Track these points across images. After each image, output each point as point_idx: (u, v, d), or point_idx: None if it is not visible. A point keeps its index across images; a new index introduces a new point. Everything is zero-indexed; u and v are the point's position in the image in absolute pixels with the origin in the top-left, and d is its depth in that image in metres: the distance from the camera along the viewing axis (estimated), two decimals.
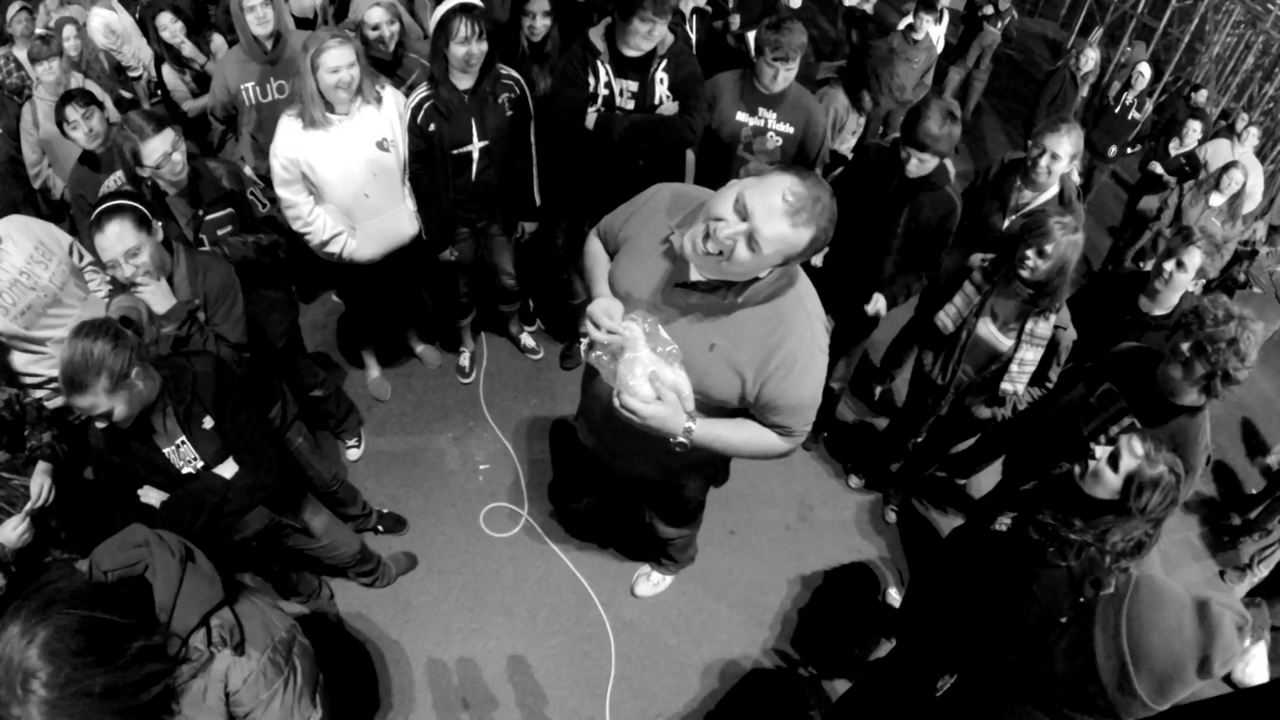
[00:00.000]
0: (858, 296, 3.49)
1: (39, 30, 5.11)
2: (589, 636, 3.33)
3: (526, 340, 4.42)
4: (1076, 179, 3.48)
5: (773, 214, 1.59)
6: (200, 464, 2.15)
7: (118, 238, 2.22)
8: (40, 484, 2.36)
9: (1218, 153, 5.91)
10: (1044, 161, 3.27)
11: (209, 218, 2.79)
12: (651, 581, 3.47)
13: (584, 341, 1.84)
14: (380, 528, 3.50)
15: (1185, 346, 2.39)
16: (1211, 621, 1.70)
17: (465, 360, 4.27)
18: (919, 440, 3.76)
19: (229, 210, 2.83)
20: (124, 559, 1.52)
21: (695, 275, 1.81)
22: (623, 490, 2.68)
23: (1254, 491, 4.66)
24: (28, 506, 2.33)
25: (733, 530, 3.76)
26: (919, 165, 3.04)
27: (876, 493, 4.06)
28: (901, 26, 6.59)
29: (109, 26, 5.33)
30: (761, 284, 1.76)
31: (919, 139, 2.96)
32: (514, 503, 3.74)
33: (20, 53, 4.59)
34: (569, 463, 3.85)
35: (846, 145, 4.01)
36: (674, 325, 1.86)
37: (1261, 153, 7.64)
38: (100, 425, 1.95)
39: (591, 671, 3.24)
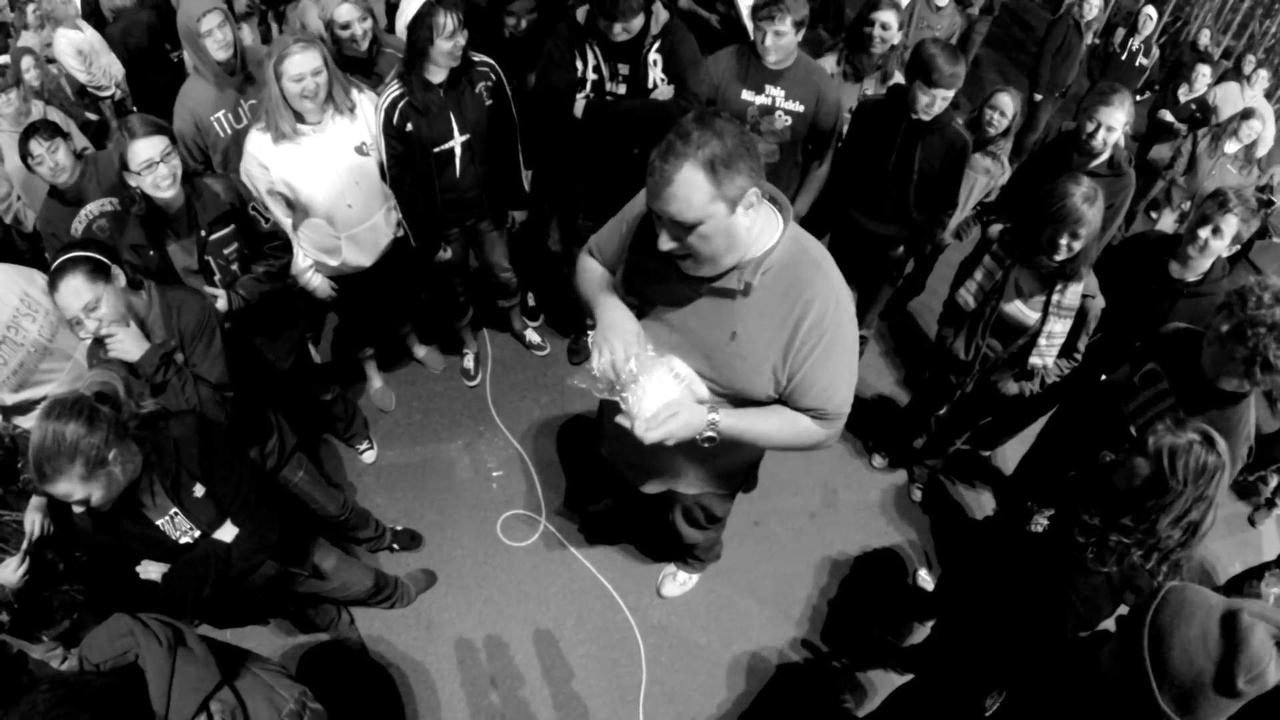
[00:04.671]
0: (883, 246, 3.55)
1: (3, 61, 4.96)
2: (617, 643, 3.25)
3: (532, 336, 4.29)
4: (1123, 144, 3.42)
5: (653, 194, 1.54)
6: (197, 533, 2.04)
7: (74, 293, 2.08)
8: (33, 520, 2.26)
9: (1228, 97, 5.79)
10: (1100, 135, 3.23)
11: (212, 238, 2.65)
12: (678, 581, 3.39)
13: (585, 373, 1.77)
14: (395, 546, 3.42)
15: (1225, 329, 2.24)
16: (1239, 632, 1.56)
17: (469, 362, 4.14)
18: (942, 415, 3.67)
19: (232, 228, 2.69)
20: (112, 650, 1.43)
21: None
22: (644, 496, 2.58)
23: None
24: (24, 545, 2.23)
25: (757, 521, 3.67)
26: (941, 104, 3.14)
27: (900, 470, 3.97)
28: None
29: (76, 47, 5.18)
30: (768, 256, 1.66)
31: (935, 79, 3.07)
32: (531, 509, 3.64)
33: None
34: (584, 463, 3.75)
35: None
36: (691, 320, 1.77)
37: (1268, 91, 7.48)
38: (79, 510, 1.83)
39: (623, 678, 3.17)
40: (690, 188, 1.48)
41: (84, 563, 2.38)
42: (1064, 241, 2.68)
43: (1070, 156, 3.34)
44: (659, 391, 1.70)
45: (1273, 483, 4.24)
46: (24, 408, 2.63)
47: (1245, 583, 3.36)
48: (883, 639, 3.34)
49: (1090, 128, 3.23)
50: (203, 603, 1.83)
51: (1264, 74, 5.88)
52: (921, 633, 3.32)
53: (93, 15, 5.72)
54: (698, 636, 3.30)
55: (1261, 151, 5.25)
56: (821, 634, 3.36)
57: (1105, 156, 3.30)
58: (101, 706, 1.23)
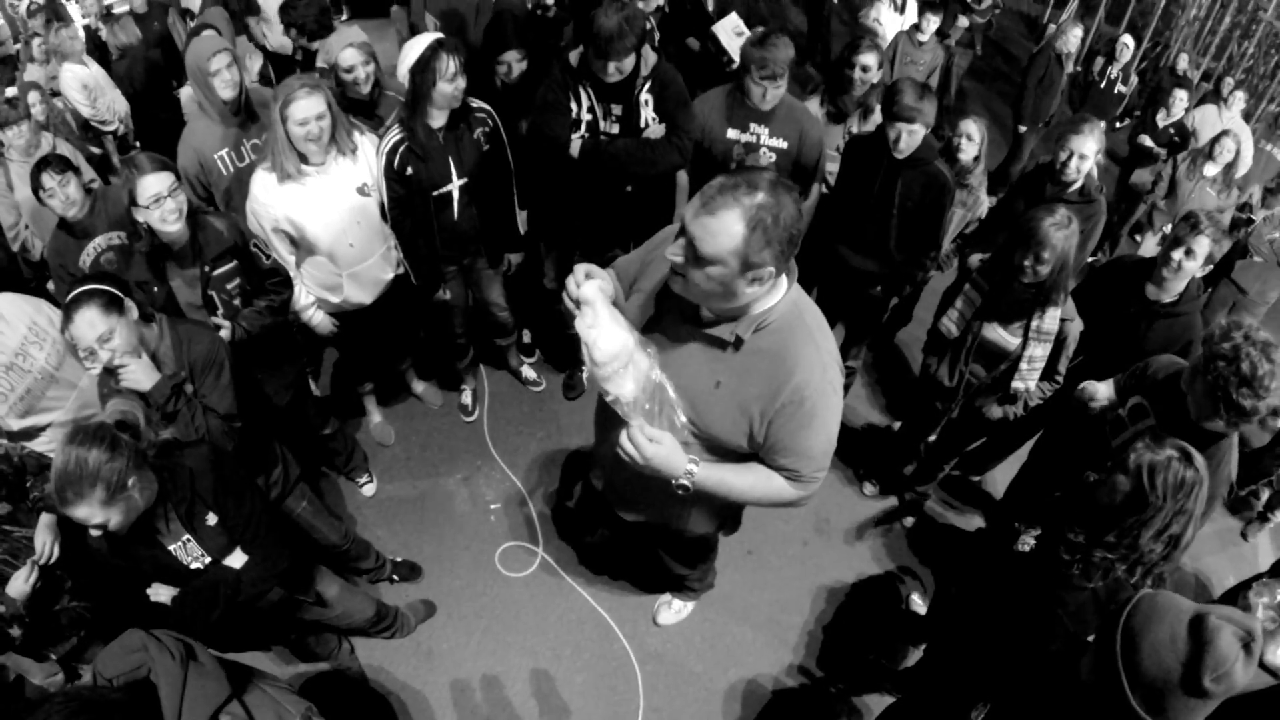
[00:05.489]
0: (866, 283, 3.60)
1: (6, 94, 5.11)
2: (615, 670, 3.29)
3: (527, 372, 4.38)
4: (1096, 174, 3.56)
5: (694, 210, 1.56)
6: (208, 559, 2.10)
7: (89, 325, 2.16)
8: (44, 540, 2.32)
9: (1206, 119, 5.90)
10: (1073, 163, 3.39)
11: (216, 273, 2.74)
12: (673, 609, 3.43)
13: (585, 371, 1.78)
14: (395, 577, 3.47)
15: (1195, 364, 2.34)
16: (1206, 634, 1.63)
17: (467, 398, 4.22)
18: (930, 442, 3.74)
19: (234, 264, 2.78)
20: (125, 665, 1.50)
21: (704, 313, 1.77)
22: (635, 528, 2.65)
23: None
24: (32, 559, 2.29)
25: (750, 550, 3.72)
26: (909, 139, 3.19)
27: (891, 498, 4.02)
28: (871, 19, 6.57)
29: (81, 81, 5.33)
30: (766, 315, 1.72)
31: (902, 113, 3.15)
32: (528, 541, 3.70)
33: None
34: (581, 496, 3.81)
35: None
36: (680, 363, 1.82)
37: (1247, 112, 7.60)
38: (96, 534, 1.89)
39: (620, 706, 3.20)
40: (723, 228, 1.53)
41: (92, 580, 2.43)
42: (1028, 264, 2.77)
43: (1045, 186, 3.45)
44: (617, 337, 1.66)
45: (1264, 496, 4.28)
46: (29, 434, 2.70)
47: (1239, 595, 3.39)
48: (877, 663, 3.37)
49: (1063, 156, 3.37)
50: (210, 626, 1.90)
51: (1240, 95, 6.00)
52: (915, 656, 3.35)
53: (95, 50, 5.90)
54: (694, 663, 3.34)
55: (1241, 171, 5.35)
56: (817, 659, 3.40)
57: (1078, 185, 3.41)
58: (116, 718, 1.29)
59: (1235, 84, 6.25)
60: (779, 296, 1.74)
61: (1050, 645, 2.03)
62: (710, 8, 5.27)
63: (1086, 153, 3.34)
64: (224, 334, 2.73)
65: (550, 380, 4.41)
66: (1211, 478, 2.33)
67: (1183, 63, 6.91)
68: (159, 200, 2.51)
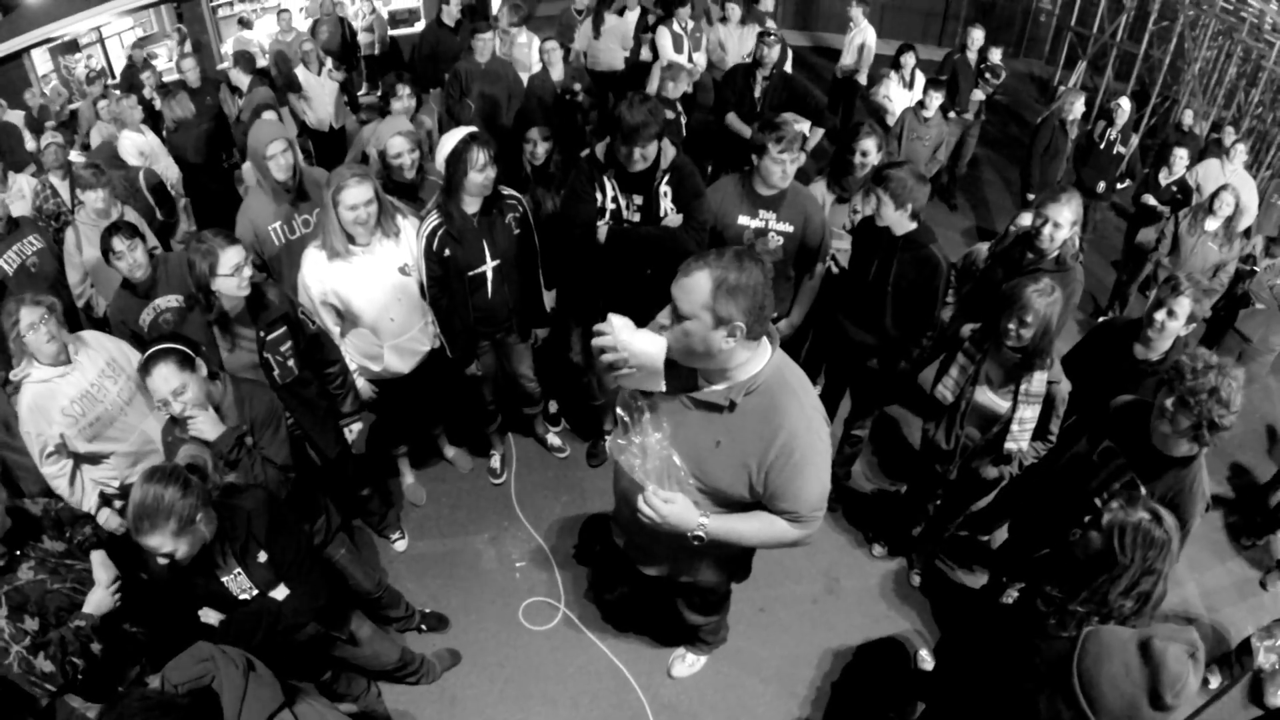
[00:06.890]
0: (864, 355, 3.76)
1: (73, 156, 5.45)
2: None
3: (553, 440, 4.62)
4: (1076, 243, 3.69)
5: (675, 279, 1.87)
6: (255, 591, 2.34)
7: (164, 379, 2.44)
8: (102, 576, 2.47)
9: (1209, 174, 6.01)
10: (1047, 230, 3.52)
11: (270, 337, 3.04)
12: (687, 662, 3.58)
13: (608, 440, 2.04)
14: (424, 627, 3.67)
15: (1169, 402, 2.47)
16: (1154, 658, 1.83)
17: (496, 462, 4.46)
18: (936, 504, 3.88)
19: (284, 329, 3.08)
20: (192, 673, 1.74)
21: (700, 381, 2.03)
22: (652, 583, 2.85)
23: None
24: (105, 580, 2.45)
25: (762, 608, 3.86)
26: (884, 208, 3.35)
27: (900, 558, 4.15)
28: (881, 96, 6.89)
29: (139, 148, 5.73)
30: (754, 380, 1.97)
31: (879, 178, 3.35)
32: (551, 596, 3.89)
33: (57, 181, 4.98)
34: (601, 555, 4.00)
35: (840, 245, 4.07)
36: (683, 429, 2.07)
37: (1257, 159, 7.74)
38: (163, 562, 2.13)
39: None
40: (695, 286, 1.82)
41: (148, 604, 2.62)
42: (1013, 328, 2.97)
43: (1023, 255, 3.65)
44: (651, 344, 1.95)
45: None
46: (93, 459, 3.05)
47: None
48: (886, 717, 3.47)
49: (1039, 223, 3.52)
50: (252, 651, 2.13)
51: (1241, 148, 6.08)
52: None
53: (148, 119, 6.32)
54: (706, 715, 3.47)
55: (1245, 223, 5.40)
56: (825, 713, 3.50)
57: (1053, 254, 3.57)
58: (185, 717, 1.53)
59: (1242, 133, 6.32)
60: (763, 362, 2.00)
61: (1025, 684, 2.18)
62: (757, 94, 5.65)
63: (1062, 221, 3.48)
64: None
65: (574, 448, 4.65)
66: (1191, 496, 2.54)
67: (1188, 118, 7.03)
68: (239, 269, 2.84)
